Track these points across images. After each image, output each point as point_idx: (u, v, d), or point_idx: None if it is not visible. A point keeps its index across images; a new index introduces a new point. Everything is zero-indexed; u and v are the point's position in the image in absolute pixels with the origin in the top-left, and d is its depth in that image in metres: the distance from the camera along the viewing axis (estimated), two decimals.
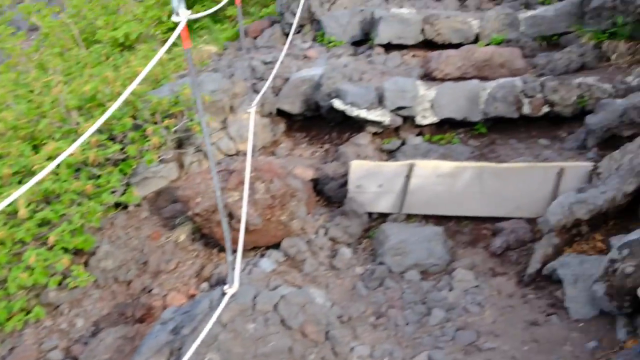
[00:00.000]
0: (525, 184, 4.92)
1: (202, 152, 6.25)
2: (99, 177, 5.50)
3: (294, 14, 8.41)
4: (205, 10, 10.46)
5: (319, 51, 7.85)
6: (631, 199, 4.27)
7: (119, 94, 6.12)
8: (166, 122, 5.88)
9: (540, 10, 7.32)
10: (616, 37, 6.22)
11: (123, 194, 5.70)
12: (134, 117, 5.89)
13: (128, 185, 5.87)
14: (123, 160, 5.79)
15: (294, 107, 6.73)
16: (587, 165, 4.80)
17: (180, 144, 6.27)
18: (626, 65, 6.06)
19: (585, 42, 6.46)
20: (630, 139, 4.80)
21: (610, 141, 5.08)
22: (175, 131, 5.99)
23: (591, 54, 6.32)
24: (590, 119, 5.23)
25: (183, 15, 3.15)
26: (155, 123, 5.92)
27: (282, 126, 6.83)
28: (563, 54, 6.43)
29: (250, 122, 5.35)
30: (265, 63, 7.30)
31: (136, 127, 5.84)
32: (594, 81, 5.72)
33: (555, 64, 6.35)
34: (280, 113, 6.86)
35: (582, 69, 6.32)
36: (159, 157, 5.93)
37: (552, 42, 7.11)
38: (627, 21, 6.03)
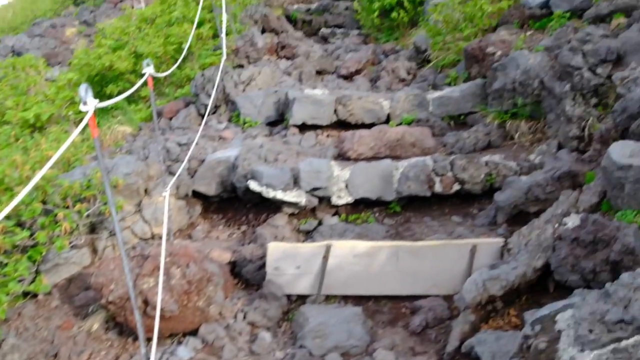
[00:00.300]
0: (440, 261, 5.02)
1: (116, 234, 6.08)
2: (5, 265, 5.24)
3: (209, 95, 8.48)
4: (119, 89, 10.50)
5: (235, 132, 7.90)
6: (541, 274, 4.41)
7: (29, 179, 5.95)
8: (78, 206, 5.72)
9: (446, 91, 7.67)
10: (518, 117, 6.58)
11: (32, 282, 5.44)
12: (44, 202, 5.70)
13: (37, 272, 5.62)
14: (32, 246, 5.55)
15: (210, 188, 6.69)
16: (498, 241, 4.96)
17: (93, 228, 6.09)
18: (529, 143, 6.40)
19: (490, 121, 6.79)
20: (537, 214, 5.01)
21: (518, 217, 5.29)
22: (88, 215, 5.83)
23: (496, 132, 6.64)
24: (498, 196, 5.44)
25: (91, 105, 3.12)
26: (67, 207, 5.74)
27: (198, 208, 6.76)
28: (470, 133, 6.73)
29: (165, 205, 5.27)
30: (181, 145, 7.27)
31: (46, 212, 5.64)
32: (500, 159, 5.99)
33: (463, 142, 6.63)
34: (196, 195, 6.80)
35: (488, 147, 6.62)
36: (71, 242, 5.72)
37: (460, 121, 7.44)
38: (526, 102, 6.40)
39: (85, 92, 3.08)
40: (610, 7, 6.51)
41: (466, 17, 8.45)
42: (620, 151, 4.21)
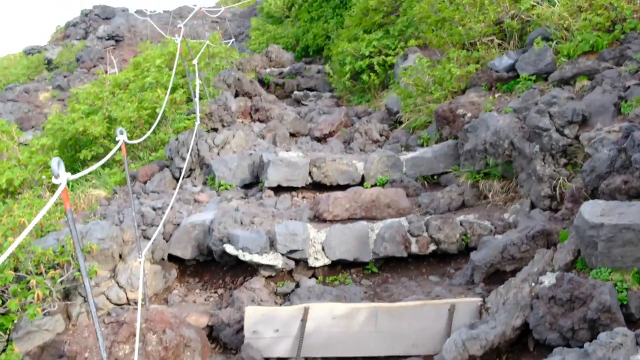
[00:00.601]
0: (419, 321, 5.01)
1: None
2: None
3: (184, 159, 8.51)
4: (93, 153, 10.48)
5: (210, 195, 7.91)
6: (520, 333, 4.43)
7: (0, 246, 5.87)
8: (51, 272, 5.64)
9: (419, 152, 7.81)
10: (490, 177, 6.71)
11: (3, 351, 5.32)
12: (16, 269, 5.62)
13: (9, 341, 5.50)
14: (3, 314, 5.44)
15: (186, 252, 6.65)
16: (476, 300, 4.98)
17: (67, 294, 5.99)
18: (502, 202, 6.51)
19: (463, 181, 6.92)
20: (513, 273, 5.06)
21: (495, 276, 5.33)
22: (62, 282, 5.74)
23: (470, 192, 6.75)
24: (474, 256, 5.49)
25: (63, 178, 3.13)
26: (40, 274, 5.65)
27: (174, 272, 6.69)
28: (444, 193, 6.84)
29: (141, 271, 5.22)
30: (156, 209, 7.25)
31: (18, 279, 5.56)
32: (475, 219, 6.08)
33: (438, 202, 6.72)
34: (172, 258, 6.75)
35: (462, 206, 6.72)
36: (44, 310, 5.61)
37: (433, 181, 7.56)
38: (498, 162, 6.53)
39: (57, 165, 3.08)
40: (573, 70, 6.75)
41: (436, 81, 8.68)
42: (591, 210, 4.31)
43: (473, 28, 8.69)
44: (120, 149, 5.61)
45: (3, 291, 5.44)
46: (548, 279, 4.45)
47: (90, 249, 5.98)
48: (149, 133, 7.45)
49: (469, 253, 5.74)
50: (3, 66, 28.77)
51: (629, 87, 5.86)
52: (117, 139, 5.32)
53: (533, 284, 4.55)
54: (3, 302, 5.37)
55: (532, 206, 5.97)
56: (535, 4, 8.29)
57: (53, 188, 9.38)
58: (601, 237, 4.09)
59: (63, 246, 5.88)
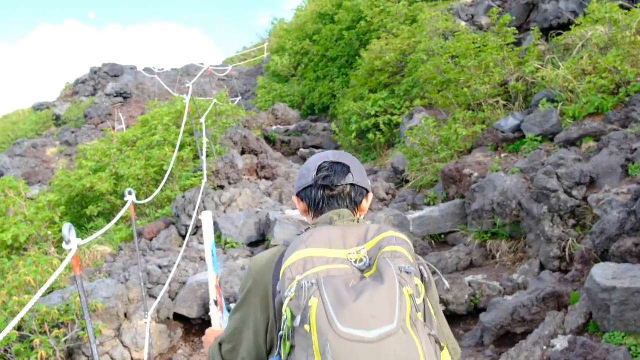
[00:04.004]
0: None
1: None
2: None
3: (190, 216, 8.52)
4: (99, 210, 10.50)
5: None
6: None
7: (4, 304, 5.83)
8: (55, 332, 5.58)
9: (426, 211, 7.81)
10: (498, 237, 6.68)
11: None
12: (20, 328, 5.56)
13: None
14: None
15: (191, 311, 6.59)
16: None
17: (70, 354, 5.91)
18: (510, 262, 6.46)
19: (471, 241, 6.89)
20: (524, 335, 5.00)
21: (505, 338, 5.25)
22: (66, 341, 5.67)
23: (478, 252, 6.72)
24: (484, 317, 5.42)
25: (74, 244, 3.14)
26: (44, 333, 5.60)
27: (179, 331, 6.61)
28: (452, 252, 6.80)
29: (147, 332, 5.17)
30: (162, 267, 7.22)
31: (22, 339, 5.49)
32: (483, 279, 6.03)
33: (446, 262, 6.68)
34: (178, 317, 6.68)
35: (470, 266, 6.68)
36: None
37: (441, 240, 7.52)
38: (505, 222, 6.52)
39: (68, 231, 3.09)
40: (579, 131, 6.81)
41: (442, 140, 8.75)
42: (602, 273, 4.28)
43: (479, 90, 8.81)
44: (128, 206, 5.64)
45: (6, 350, 5.38)
46: (560, 343, 4.38)
47: (96, 307, 5.93)
48: (157, 192, 7.49)
49: (478, 314, 5.67)
50: (12, 121, 29.16)
51: (635, 149, 5.90)
52: (125, 199, 5.34)
53: (545, 347, 4.48)
54: None
55: (542, 267, 5.93)
56: (539, 67, 8.43)
57: (59, 244, 9.37)
58: (613, 300, 4.05)
59: (68, 305, 5.83)
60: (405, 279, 1.53)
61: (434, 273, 1.78)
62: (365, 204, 1.93)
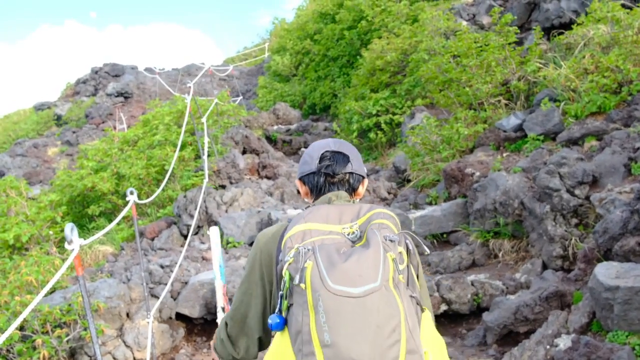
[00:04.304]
0: None
1: None
2: None
3: (192, 216, 8.51)
4: (101, 209, 10.49)
5: None
6: None
7: (6, 304, 5.83)
8: (57, 332, 5.57)
9: (428, 210, 7.79)
10: (500, 236, 6.67)
11: None
12: (22, 328, 5.55)
13: None
14: None
15: (193, 310, 6.58)
16: None
17: (72, 353, 5.90)
18: (513, 262, 6.46)
19: (473, 240, 6.88)
20: (526, 334, 4.99)
21: (508, 337, 5.25)
22: (68, 341, 5.66)
23: (480, 251, 6.71)
24: (487, 317, 5.41)
25: (76, 244, 3.13)
26: (46, 333, 5.59)
27: (181, 331, 6.61)
28: (454, 252, 6.79)
29: (149, 332, 5.16)
30: (163, 267, 7.22)
31: (24, 338, 5.49)
32: (486, 278, 6.02)
33: (448, 261, 6.67)
34: (179, 317, 6.68)
35: (473, 265, 6.67)
36: None
37: (443, 239, 7.51)
38: (508, 222, 6.51)
39: (70, 231, 3.08)
40: (582, 130, 6.80)
41: (443, 140, 8.74)
42: (605, 272, 4.27)
43: (480, 89, 8.80)
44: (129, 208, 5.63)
45: (8, 350, 5.37)
46: (563, 342, 4.37)
47: (98, 307, 5.92)
48: (158, 192, 7.48)
49: (480, 313, 5.66)
50: (13, 121, 29.16)
51: (638, 148, 5.89)
52: (127, 198, 5.33)
53: (548, 346, 4.47)
54: None
55: (544, 266, 5.92)
56: (541, 66, 8.42)
57: (60, 243, 9.36)
58: (617, 299, 4.04)
59: (70, 305, 5.82)
60: (389, 246, 1.77)
61: (417, 246, 1.95)
62: (362, 188, 2.18)
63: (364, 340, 1.66)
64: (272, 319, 1.82)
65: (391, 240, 1.78)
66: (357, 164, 2.14)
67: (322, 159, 2.11)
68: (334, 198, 2.06)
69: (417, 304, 1.84)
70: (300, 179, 2.19)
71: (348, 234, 1.88)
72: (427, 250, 1.95)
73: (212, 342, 2.34)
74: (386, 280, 1.71)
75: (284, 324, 1.81)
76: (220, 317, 2.58)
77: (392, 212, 1.97)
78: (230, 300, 6.25)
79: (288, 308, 1.78)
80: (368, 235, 1.82)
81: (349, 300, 1.67)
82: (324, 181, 2.10)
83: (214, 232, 2.69)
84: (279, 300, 1.82)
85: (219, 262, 2.52)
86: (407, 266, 1.83)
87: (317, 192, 2.12)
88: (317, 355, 1.68)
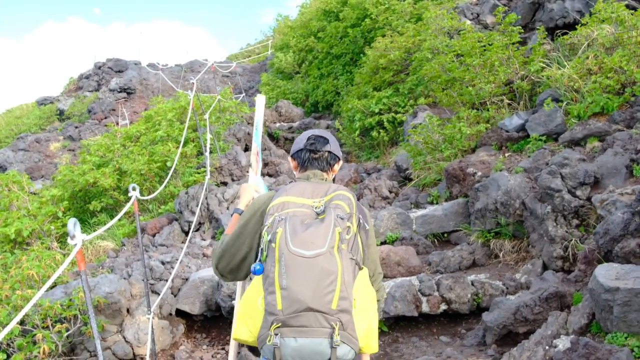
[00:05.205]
0: None
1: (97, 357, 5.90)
2: None
3: (193, 212, 8.52)
4: (102, 205, 10.50)
5: None
6: None
7: (7, 298, 5.84)
8: (58, 327, 5.58)
9: (429, 209, 7.79)
10: (501, 236, 6.67)
11: None
12: (22, 322, 5.57)
13: None
14: None
15: (194, 307, 6.60)
16: None
17: (73, 349, 5.92)
18: (513, 262, 6.45)
19: (474, 240, 6.87)
20: (526, 335, 4.99)
21: (507, 337, 5.25)
22: (68, 336, 5.68)
23: (480, 251, 6.71)
24: (486, 317, 5.41)
25: (79, 239, 3.13)
26: (46, 327, 5.60)
27: (181, 327, 6.62)
28: (455, 251, 6.79)
29: (149, 328, 5.17)
30: (164, 263, 7.22)
31: (24, 333, 5.50)
32: (486, 278, 6.02)
33: (448, 261, 6.67)
34: (180, 313, 6.69)
35: (473, 265, 6.67)
36: None
37: (444, 239, 7.51)
38: (509, 222, 6.51)
39: (73, 226, 3.09)
40: (584, 131, 6.79)
41: (446, 139, 8.73)
42: (606, 273, 4.26)
43: (483, 88, 8.79)
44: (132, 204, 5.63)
45: (9, 344, 5.39)
46: (562, 343, 4.37)
47: (98, 303, 5.94)
48: (161, 188, 7.49)
49: (480, 313, 5.66)
50: (15, 116, 29.19)
51: None
52: (129, 194, 5.34)
53: (547, 347, 4.47)
54: (8, 357, 5.30)
55: (544, 267, 5.92)
56: (544, 66, 8.41)
57: (62, 238, 9.38)
58: (617, 301, 4.04)
59: (71, 300, 5.83)
60: (338, 222, 2.50)
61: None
62: (337, 166, 2.96)
63: (309, 288, 2.38)
64: (254, 267, 2.53)
65: (341, 218, 2.51)
66: (334, 146, 2.94)
67: (308, 140, 2.89)
68: (311, 176, 2.84)
69: (356, 264, 2.56)
70: (292, 155, 2.96)
71: (315, 207, 2.59)
72: (367, 226, 2.71)
73: (239, 194, 3.30)
74: (331, 247, 2.43)
75: (262, 271, 2.51)
76: (251, 172, 3.64)
77: (350, 193, 2.69)
78: (223, 300, 6.26)
79: (265, 259, 2.50)
80: (327, 212, 2.54)
81: (302, 259, 2.40)
82: (308, 156, 2.88)
83: (260, 100, 3.44)
84: (259, 253, 2.56)
85: (257, 126, 3.33)
86: (355, 235, 2.57)
87: (302, 164, 2.90)
88: (276, 294, 2.41)
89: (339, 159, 2.96)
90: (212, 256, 2.88)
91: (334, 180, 3.01)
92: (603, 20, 8.23)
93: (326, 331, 2.39)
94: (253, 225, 2.74)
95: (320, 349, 2.40)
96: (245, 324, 2.54)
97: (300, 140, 2.92)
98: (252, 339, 2.53)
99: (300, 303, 2.37)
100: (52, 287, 6.55)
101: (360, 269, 2.61)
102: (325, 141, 2.90)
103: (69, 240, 3.16)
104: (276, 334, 2.40)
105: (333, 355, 2.40)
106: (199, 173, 10.39)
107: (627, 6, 8.51)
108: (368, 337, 2.56)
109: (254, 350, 2.63)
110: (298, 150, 2.91)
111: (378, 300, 2.85)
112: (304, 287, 2.37)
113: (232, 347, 3.34)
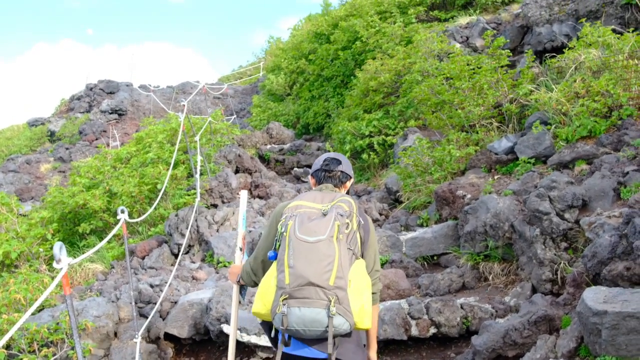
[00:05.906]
0: None
1: None
2: None
3: (183, 235, 8.49)
4: (92, 227, 10.45)
5: (208, 272, 7.85)
6: None
7: None
8: (44, 351, 5.53)
9: (419, 232, 7.80)
10: (490, 259, 6.67)
11: None
12: (8, 347, 5.51)
13: None
14: None
15: (182, 331, 6.55)
16: None
17: None
18: (502, 285, 6.45)
19: (463, 262, 6.88)
20: (515, 359, 4.98)
21: None
22: None
23: (470, 274, 6.70)
24: (476, 340, 5.40)
25: (64, 262, 3.13)
26: (33, 352, 5.55)
27: (169, 351, 6.56)
28: (444, 274, 6.78)
29: (137, 351, 5.13)
30: (153, 286, 7.18)
31: (10, 357, 5.44)
32: (475, 302, 6.01)
33: (438, 284, 6.66)
34: (168, 337, 6.63)
35: (463, 288, 6.66)
36: None
37: (433, 262, 7.51)
38: (498, 245, 6.52)
39: (59, 250, 3.09)
40: (572, 154, 6.83)
41: (435, 161, 8.77)
42: (594, 297, 4.27)
43: (472, 111, 8.85)
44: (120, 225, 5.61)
45: None
46: None
47: (86, 326, 5.89)
48: (150, 211, 7.46)
49: (469, 337, 5.64)
50: (6, 137, 29.10)
51: (627, 172, 5.92)
52: (118, 217, 5.32)
53: None
54: None
55: (533, 289, 5.92)
56: (533, 89, 8.48)
57: (50, 261, 9.31)
58: (605, 324, 4.04)
59: (58, 323, 5.78)
60: (338, 218, 3.03)
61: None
62: (348, 183, 3.54)
63: (311, 267, 2.89)
64: (270, 254, 3.12)
65: (341, 215, 3.05)
66: (346, 166, 3.52)
67: (324, 161, 3.50)
68: (324, 188, 3.41)
69: (353, 254, 3.06)
70: (311, 174, 3.57)
71: (322, 210, 3.11)
72: (368, 226, 3.26)
73: (229, 273, 3.76)
74: (331, 236, 2.96)
75: (276, 256, 3.06)
76: (238, 254, 3.92)
77: (352, 199, 3.25)
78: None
79: (279, 248, 3.07)
80: (330, 211, 3.08)
81: (306, 244, 2.94)
82: (323, 175, 3.48)
83: (243, 194, 4.00)
84: (275, 244, 3.15)
85: (243, 216, 3.92)
86: (354, 232, 3.10)
87: (319, 181, 3.49)
88: (285, 272, 2.94)
89: (350, 177, 3.55)
90: (244, 268, 3.55)
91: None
92: (590, 44, 8.33)
93: (324, 303, 2.87)
94: (275, 225, 3.30)
95: (319, 318, 2.87)
96: (262, 300, 3.04)
97: (318, 162, 3.54)
98: (265, 311, 3.03)
99: (303, 278, 2.88)
100: (39, 311, 6.50)
101: (357, 258, 3.09)
102: (338, 162, 3.49)
103: (54, 265, 3.15)
104: (284, 304, 2.89)
105: (330, 324, 2.86)
106: (189, 195, 10.36)
107: (614, 30, 8.62)
108: (361, 315, 2.97)
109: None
110: (316, 170, 3.52)
111: (374, 293, 3.36)
112: (307, 266, 2.90)
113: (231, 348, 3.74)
